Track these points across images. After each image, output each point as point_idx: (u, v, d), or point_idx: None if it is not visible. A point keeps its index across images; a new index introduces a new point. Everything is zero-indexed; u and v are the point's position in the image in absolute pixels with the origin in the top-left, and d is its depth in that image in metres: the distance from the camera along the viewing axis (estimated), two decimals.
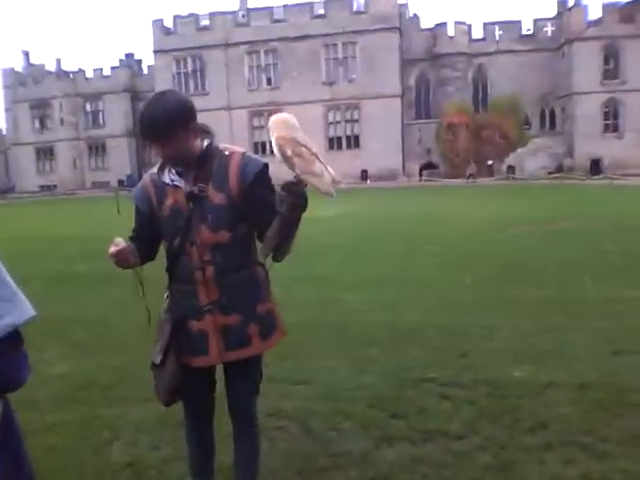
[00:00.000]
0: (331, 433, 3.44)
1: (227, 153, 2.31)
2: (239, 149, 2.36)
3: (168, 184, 2.29)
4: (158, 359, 2.32)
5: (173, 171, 2.29)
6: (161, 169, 2.33)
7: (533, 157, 46.15)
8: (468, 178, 41.93)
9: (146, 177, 2.40)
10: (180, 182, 2.27)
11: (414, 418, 3.56)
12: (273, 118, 2.16)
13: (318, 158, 2.13)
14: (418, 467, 2.99)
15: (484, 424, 3.43)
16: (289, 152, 2.09)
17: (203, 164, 2.27)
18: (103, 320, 6.38)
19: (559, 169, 43.52)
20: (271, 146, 2.15)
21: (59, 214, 26.60)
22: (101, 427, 3.64)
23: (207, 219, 2.24)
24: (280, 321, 2.52)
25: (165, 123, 2.13)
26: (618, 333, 5.15)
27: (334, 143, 50.46)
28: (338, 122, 50.29)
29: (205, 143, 2.31)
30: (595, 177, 39.94)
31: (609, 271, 8.04)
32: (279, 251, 2.26)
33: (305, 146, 2.11)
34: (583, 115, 45.12)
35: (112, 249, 2.23)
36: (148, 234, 2.39)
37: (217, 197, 2.25)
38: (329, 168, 2.15)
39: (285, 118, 2.17)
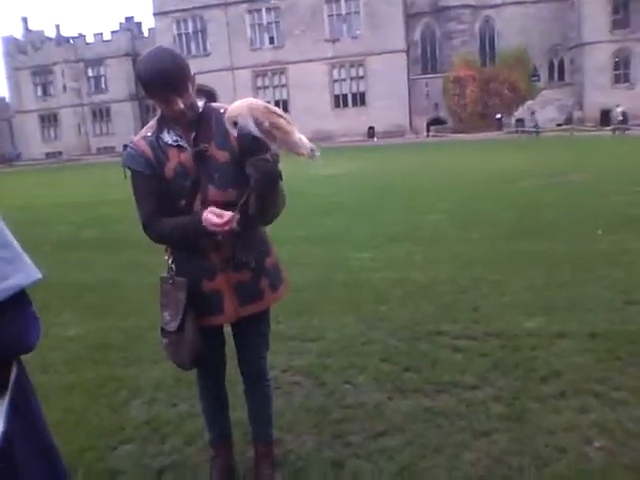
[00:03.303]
0: (345, 387, 3.48)
1: (222, 111, 2.25)
2: None
3: (171, 144, 2.22)
4: (172, 326, 2.29)
5: (172, 132, 2.23)
6: (160, 130, 2.24)
7: (542, 110, 45.44)
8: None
9: (137, 141, 2.26)
10: (183, 142, 2.21)
11: (427, 371, 3.58)
12: (236, 103, 2.09)
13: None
14: (432, 418, 3.02)
15: (497, 375, 3.45)
16: (266, 124, 2.03)
17: (202, 124, 2.23)
18: (114, 284, 6.43)
19: (568, 121, 42.88)
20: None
21: (66, 180, 26.61)
22: (119, 387, 3.70)
23: (214, 178, 2.21)
24: (284, 272, 2.55)
25: (178, 73, 2.09)
26: (630, 283, 5.13)
27: (340, 101, 49.89)
28: (343, 80, 49.57)
29: (201, 103, 2.26)
30: (606, 128, 39.30)
31: (620, 222, 7.96)
32: (263, 216, 2.25)
33: (282, 116, 2.08)
34: (593, 66, 44.24)
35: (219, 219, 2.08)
36: (163, 199, 2.24)
37: (221, 155, 2.22)
38: (305, 139, 2.12)
39: (249, 99, 2.12)
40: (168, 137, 2.23)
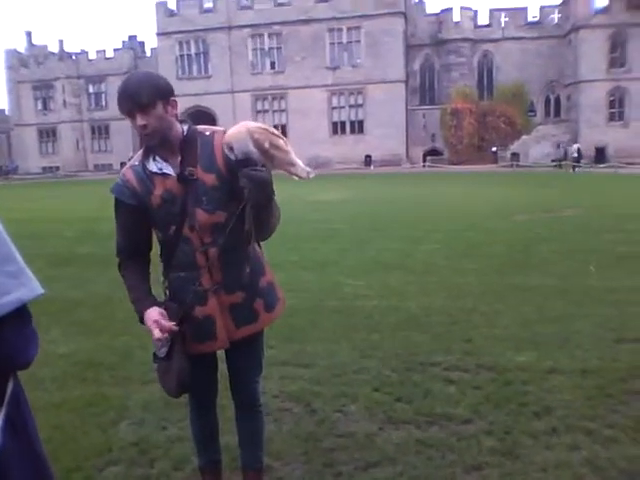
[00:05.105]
0: (336, 415, 3.46)
1: (208, 133, 2.29)
2: (219, 128, 2.34)
3: (156, 173, 2.23)
4: (162, 352, 2.29)
5: (159, 159, 2.24)
6: (145, 158, 2.26)
7: (538, 144, 45.95)
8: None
9: (125, 171, 2.30)
10: (168, 169, 2.23)
11: (419, 402, 3.58)
12: (233, 128, 2.19)
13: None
14: (423, 450, 3.01)
15: (489, 409, 3.45)
16: (266, 145, 2.10)
17: (187, 147, 2.24)
18: (106, 301, 6.39)
19: (564, 157, 43.37)
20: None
21: (62, 196, 26.58)
22: (107, 406, 3.67)
23: (202, 202, 2.21)
24: (280, 291, 2.54)
25: (146, 90, 2.10)
26: (620, 321, 5.16)
27: (338, 128, 50.29)
28: (342, 107, 50.05)
29: (185, 127, 2.28)
30: (600, 165, 39.81)
31: (612, 260, 8.02)
32: (259, 232, 2.28)
33: (280, 137, 2.16)
34: (588, 103, 44.88)
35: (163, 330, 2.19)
36: (142, 233, 2.32)
37: (208, 178, 2.22)
38: (300, 162, 2.22)
39: (246, 122, 2.22)
40: (153, 165, 2.24)
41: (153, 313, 2.20)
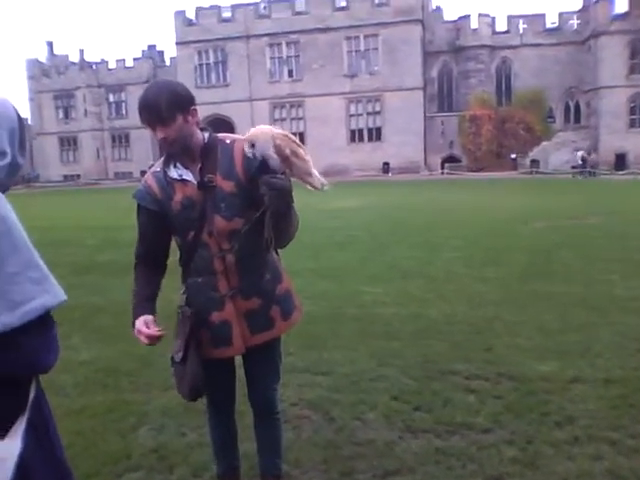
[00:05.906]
0: (355, 423, 3.45)
1: (229, 141, 2.31)
2: (239, 136, 2.35)
3: (176, 179, 2.27)
4: (179, 356, 2.31)
5: (179, 165, 2.28)
6: (166, 165, 2.30)
7: (557, 151, 45.55)
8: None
9: (147, 177, 2.35)
10: (188, 175, 2.26)
11: (439, 410, 3.55)
12: (256, 128, 2.19)
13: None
14: (443, 459, 2.98)
15: (510, 418, 3.41)
16: (287, 152, 2.12)
17: (207, 155, 2.26)
18: (126, 308, 6.40)
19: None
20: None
21: (83, 204, 26.88)
22: (127, 412, 3.69)
23: (220, 208, 2.24)
24: (297, 298, 2.54)
25: (165, 103, 2.11)
26: None
27: (355, 135, 50.33)
28: (360, 114, 50.10)
29: (206, 134, 2.31)
30: (620, 172, 39.31)
31: (636, 268, 7.91)
32: (278, 239, 2.28)
33: (301, 146, 2.17)
34: (608, 110, 44.44)
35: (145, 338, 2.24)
36: (160, 239, 2.35)
37: (227, 185, 2.25)
38: (317, 173, 2.23)
39: (268, 126, 2.23)
40: (174, 171, 2.28)
41: (138, 323, 2.25)
